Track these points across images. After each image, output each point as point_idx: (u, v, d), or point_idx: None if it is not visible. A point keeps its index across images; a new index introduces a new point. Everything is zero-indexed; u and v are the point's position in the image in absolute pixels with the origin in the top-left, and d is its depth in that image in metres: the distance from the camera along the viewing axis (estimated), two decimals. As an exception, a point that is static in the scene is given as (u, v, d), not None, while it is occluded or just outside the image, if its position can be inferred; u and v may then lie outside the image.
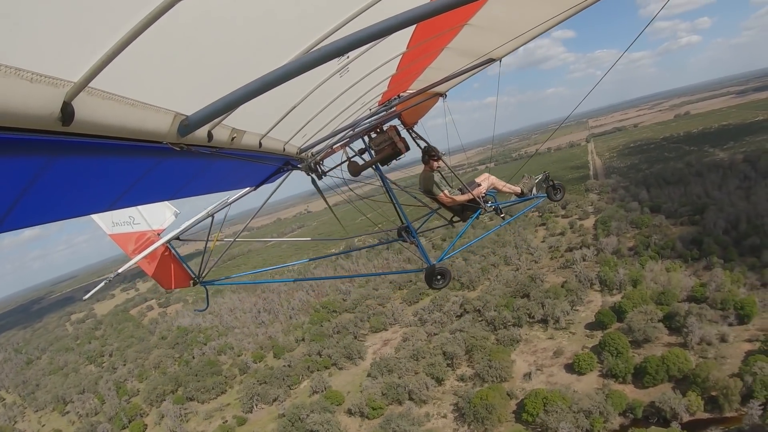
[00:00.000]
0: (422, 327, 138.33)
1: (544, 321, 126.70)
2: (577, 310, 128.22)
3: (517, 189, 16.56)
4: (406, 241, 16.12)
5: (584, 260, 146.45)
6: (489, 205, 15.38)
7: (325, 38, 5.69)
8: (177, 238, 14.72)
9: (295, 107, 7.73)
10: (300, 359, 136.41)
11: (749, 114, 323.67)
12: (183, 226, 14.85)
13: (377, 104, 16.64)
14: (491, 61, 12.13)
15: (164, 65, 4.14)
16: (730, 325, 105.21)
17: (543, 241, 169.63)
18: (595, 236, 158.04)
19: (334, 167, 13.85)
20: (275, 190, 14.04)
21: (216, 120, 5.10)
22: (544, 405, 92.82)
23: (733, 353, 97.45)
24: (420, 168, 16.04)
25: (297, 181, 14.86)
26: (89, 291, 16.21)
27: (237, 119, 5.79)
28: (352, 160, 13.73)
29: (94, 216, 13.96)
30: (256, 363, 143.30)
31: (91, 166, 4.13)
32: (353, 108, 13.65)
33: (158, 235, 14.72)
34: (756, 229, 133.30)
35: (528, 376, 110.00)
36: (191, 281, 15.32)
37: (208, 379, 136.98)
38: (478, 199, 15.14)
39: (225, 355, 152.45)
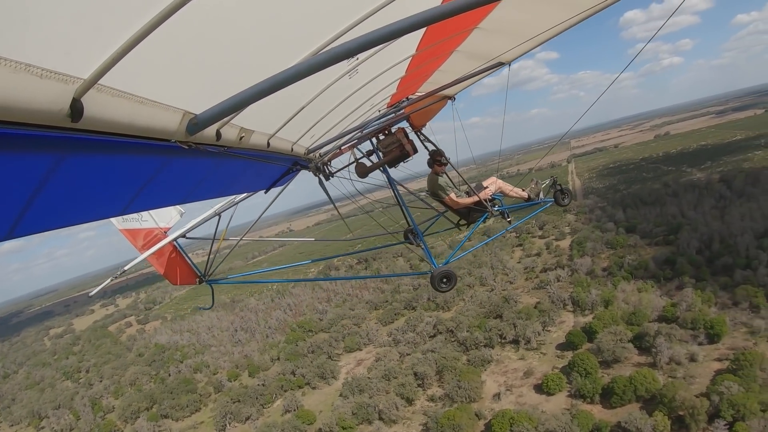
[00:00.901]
0: (395, 347, 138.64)
1: (515, 342, 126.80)
2: (549, 330, 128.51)
3: (524, 194, 16.54)
4: (413, 244, 16.22)
5: (558, 281, 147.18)
6: (496, 209, 15.35)
7: (335, 39, 5.72)
8: (183, 236, 14.89)
9: (303, 108, 7.78)
10: (274, 378, 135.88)
11: (728, 134, 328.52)
12: (189, 224, 15.00)
13: (386, 106, 16.84)
14: (500, 64, 12.26)
15: (174, 63, 4.18)
16: (700, 344, 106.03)
17: (519, 262, 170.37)
18: (570, 257, 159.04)
19: (342, 168, 13.99)
20: (282, 191, 14.05)
21: (225, 119, 5.12)
22: (510, 425, 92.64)
23: (702, 372, 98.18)
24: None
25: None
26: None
27: (245, 119, 5.82)
28: (360, 161, 13.83)
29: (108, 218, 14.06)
30: (230, 381, 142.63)
31: (101, 164, 4.16)
32: (362, 109, 13.68)
33: (165, 233, 14.88)
34: (728, 249, 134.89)
35: (497, 396, 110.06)
36: (197, 279, 15.46)
37: (182, 397, 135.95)
38: (484, 202, 15.10)
39: (201, 373, 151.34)
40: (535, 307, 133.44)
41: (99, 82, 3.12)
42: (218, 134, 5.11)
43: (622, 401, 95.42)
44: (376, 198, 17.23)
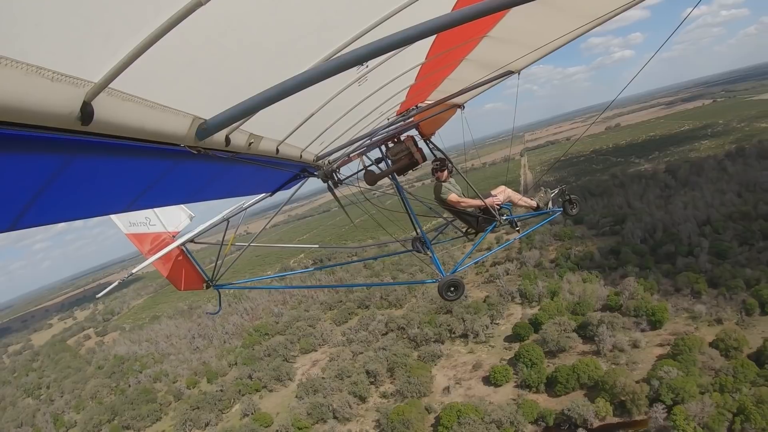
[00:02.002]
0: (349, 347, 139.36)
1: (464, 336, 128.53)
2: (498, 323, 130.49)
3: (533, 203, 16.62)
4: (421, 252, 16.05)
5: (507, 274, 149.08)
6: (504, 218, 15.27)
7: (345, 47, 5.81)
8: (191, 240, 14.77)
9: (313, 115, 7.86)
10: (232, 383, 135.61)
11: (676, 124, 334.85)
12: (198, 230, 14.95)
13: (395, 114, 17.00)
14: (510, 73, 12.34)
15: (184, 69, 4.25)
16: (643, 331, 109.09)
17: (470, 257, 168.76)
18: (520, 250, 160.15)
19: (351, 176, 13.84)
20: (291, 196, 14.40)
21: (234, 125, 5.19)
22: (458, 418, 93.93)
23: (644, 358, 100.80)
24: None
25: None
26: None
27: (255, 125, 5.89)
28: (368, 169, 13.84)
29: (111, 215, 13.84)
30: (190, 389, 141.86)
31: (109, 166, 4.25)
32: (371, 117, 13.93)
33: (173, 237, 14.84)
34: (671, 237, 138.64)
35: (447, 389, 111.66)
36: (204, 284, 15.21)
37: (143, 407, 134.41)
38: (492, 210, 15.03)
39: (160, 382, 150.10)
40: (484, 301, 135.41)
41: (109, 86, 3.22)
42: (227, 140, 5.23)
43: (566, 389, 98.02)
44: (382, 203, 16.95)
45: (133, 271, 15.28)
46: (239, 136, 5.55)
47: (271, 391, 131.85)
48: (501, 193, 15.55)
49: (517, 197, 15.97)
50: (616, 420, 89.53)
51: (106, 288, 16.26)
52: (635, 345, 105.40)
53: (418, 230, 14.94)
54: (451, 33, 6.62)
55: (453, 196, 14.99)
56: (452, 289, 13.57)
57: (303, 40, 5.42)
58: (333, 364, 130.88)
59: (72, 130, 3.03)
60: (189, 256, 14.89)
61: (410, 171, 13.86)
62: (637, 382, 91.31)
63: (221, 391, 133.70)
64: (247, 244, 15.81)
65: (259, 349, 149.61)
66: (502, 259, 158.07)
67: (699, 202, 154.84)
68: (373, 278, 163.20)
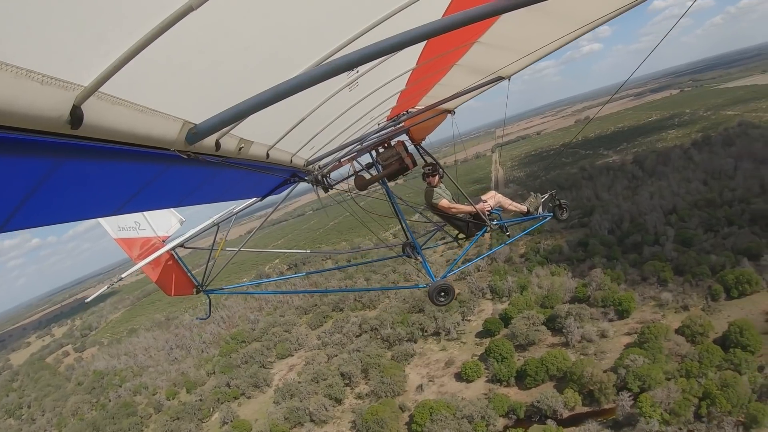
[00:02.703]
0: (324, 350, 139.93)
1: (437, 334, 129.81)
2: (469, 320, 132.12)
3: (523, 208, 16.65)
4: (411, 257, 16.15)
5: (478, 271, 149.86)
6: (495, 223, 15.36)
7: (336, 52, 5.80)
8: (181, 245, 14.66)
9: (303, 120, 7.83)
10: (210, 392, 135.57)
11: (643, 115, 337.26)
12: (188, 234, 14.80)
13: (386, 119, 16.75)
14: (500, 78, 12.35)
15: (175, 73, 4.21)
16: (611, 320, 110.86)
17: (441, 255, 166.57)
18: (490, 246, 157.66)
19: (341, 180, 13.92)
20: (281, 201, 14.60)
21: (224, 129, 5.17)
22: (430, 415, 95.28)
23: (612, 348, 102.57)
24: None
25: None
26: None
27: (245, 129, 5.86)
28: (359, 174, 13.76)
29: (100, 220, 13.96)
30: (169, 400, 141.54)
31: (98, 170, 4.19)
32: (362, 122, 13.77)
33: (163, 242, 14.73)
34: (638, 227, 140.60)
35: (420, 388, 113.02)
36: (194, 289, 15.13)
37: (124, 421, 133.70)
38: (483, 215, 15.00)
39: (140, 395, 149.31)
40: (456, 299, 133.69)
41: (99, 89, 3.18)
42: (218, 144, 5.20)
43: (536, 382, 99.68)
44: (373, 208, 16.83)
45: (123, 275, 15.13)
46: (229, 141, 5.63)
47: (249, 398, 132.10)
48: (491, 198, 15.77)
49: (507, 202, 16.25)
50: (585, 409, 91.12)
51: (94, 293, 16.85)
52: (603, 335, 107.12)
53: (408, 235, 15.25)
54: (442, 39, 6.46)
55: (444, 202, 15.11)
56: (443, 293, 13.79)
57: (294, 45, 5.53)
58: (309, 368, 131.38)
59: (61, 133, 3.08)
60: (179, 260, 15.00)
61: (401, 176, 14.11)
62: (604, 371, 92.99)
63: (200, 400, 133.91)
64: (237, 248, 15.86)
65: (236, 357, 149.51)
66: (473, 255, 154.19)
67: (665, 192, 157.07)
68: (346, 281, 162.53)
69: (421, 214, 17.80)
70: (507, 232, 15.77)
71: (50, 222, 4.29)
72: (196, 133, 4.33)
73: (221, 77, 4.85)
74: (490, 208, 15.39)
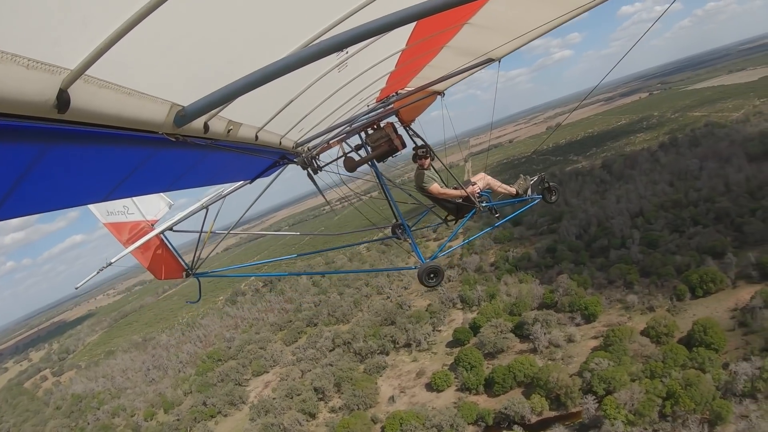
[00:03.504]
0: (298, 365, 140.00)
1: (408, 345, 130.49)
2: (440, 330, 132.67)
3: (513, 190, 16.48)
4: (400, 239, 16.15)
5: (449, 281, 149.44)
6: (484, 204, 15.21)
7: (325, 33, 5.73)
8: (170, 229, 14.40)
9: (292, 101, 7.75)
10: (187, 412, 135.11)
11: (613, 119, 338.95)
12: (177, 218, 14.61)
13: (375, 101, 16.67)
14: (490, 60, 12.35)
15: (162, 55, 4.15)
16: (578, 325, 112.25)
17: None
18: (461, 256, 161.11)
19: (330, 162, 13.66)
20: (270, 183, 14.15)
21: (213, 111, 5.13)
22: (400, 425, 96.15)
23: (579, 351, 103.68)
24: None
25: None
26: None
27: (234, 111, 5.80)
28: (348, 155, 13.65)
29: (89, 205, 13.08)
30: (147, 421, 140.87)
31: (86, 155, 4.11)
32: (351, 104, 13.83)
33: (152, 225, 14.48)
34: (605, 231, 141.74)
35: (392, 399, 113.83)
36: (184, 272, 14.79)
37: None
38: (472, 197, 14.91)
39: (119, 417, 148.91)
40: (426, 310, 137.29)
41: (86, 72, 3.14)
42: (206, 127, 5.13)
43: (503, 389, 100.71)
44: (363, 191, 17.39)
45: (112, 261, 14.39)
46: (218, 123, 5.57)
47: (225, 416, 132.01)
48: (480, 180, 15.73)
49: (496, 184, 16.12)
50: (552, 414, 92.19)
51: (83, 280, 15.14)
52: (570, 339, 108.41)
53: (398, 217, 15.30)
54: (432, 19, 6.43)
55: (435, 187, 15.04)
56: (432, 275, 13.64)
57: (282, 26, 5.49)
58: (283, 384, 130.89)
59: (48, 118, 3.05)
60: (168, 244, 14.80)
61: (390, 157, 13.93)
62: (571, 375, 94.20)
63: (178, 420, 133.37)
64: (226, 231, 15.82)
65: (213, 376, 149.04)
66: (444, 266, 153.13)
67: (632, 195, 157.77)
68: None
69: (410, 195, 17.48)
70: (496, 213, 15.68)
71: (41, 210, 4.38)
72: (185, 116, 4.35)
73: (209, 59, 4.86)
74: (479, 191, 15.43)
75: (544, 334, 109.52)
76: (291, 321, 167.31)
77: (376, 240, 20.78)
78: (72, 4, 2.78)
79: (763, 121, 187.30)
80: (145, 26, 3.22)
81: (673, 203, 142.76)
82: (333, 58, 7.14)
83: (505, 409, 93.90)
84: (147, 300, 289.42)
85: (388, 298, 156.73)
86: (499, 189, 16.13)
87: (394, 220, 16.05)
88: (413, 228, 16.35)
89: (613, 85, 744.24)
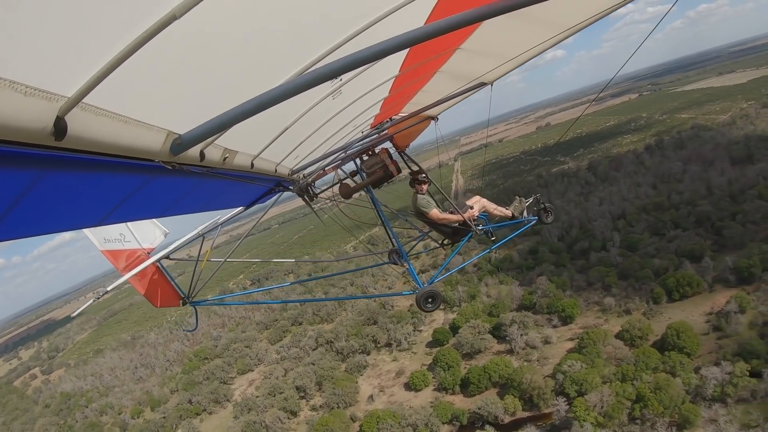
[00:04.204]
0: (281, 364, 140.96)
1: (389, 345, 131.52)
2: (420, 330, 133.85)
3: (508, 212, 16.52)
4: (397, 264, 16.10)
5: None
6: (480, 228, 15.26)
7: (320, 60, 5.74)
8: (167, 257, 14.34)
9: (287, 129, 7.74)
10: (173, 409, 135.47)
11: (602, 120, 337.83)
12: (173, 246, 14.55)
13: (369, 127, 16.58)
14: (482, 84, 12.33)
15: (158, 83, 4.14)
16: (555, 327, 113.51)
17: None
18: (445, 257, 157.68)
19: (326, 189, 13.68)
20: (267, 211, 14.24)
21: (209, 139, 5.08)
22: (377, 424, 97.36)
23: (555, 353, 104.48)
24: None
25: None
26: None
27: (229, 139, 5.74)
28: (343, 182, 13.76)
29: (86, 231, 13.80)
30: (134, 419, 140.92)
31: (81, 181, 4.04)
32: (345, 130, 13.65)
33: (148, 254, 14.46)
34: (586, 233, 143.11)
35: (371, 398, 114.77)
36: (180, 301, 14.90)
37: None
38: (469, 221, 14.94)
39: (106, 414, 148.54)
40: (408, 310, 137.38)
41: (83, 100, 3.11)
42: (202, 155, 5.10)
43: (479, 389, 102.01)
44: (358, 216, 16.86)
45: (108, 288, 14.34)
46: (214, 151, 5.55)
47: (210, 413, 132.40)
48: (476, 203, 15.71)
49: (492, 207, 16.15)
50: (525, 414, 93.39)
51: (78, 309, 16.55)
52: (547, 341, 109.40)
53: (394, 242, 15.12)
54: (424, 46, 6.54)
55: (435, 212, 15.00)
56: (430, 299, 14.08)
57: (277, 54, 5.47)
58: (266, 383, 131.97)
59: (45, 145, 3.00)
60: (164, 272, 14.80)
61: (385, 183, 13.92)
62: (546, 376, 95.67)
63: (164, 417, 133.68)
64: (222, 259, 15.50)
65: (198, 374, 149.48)
66: (428, 266, 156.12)
67: (615, 197, 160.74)
68: (306, 294, 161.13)
69: (407, 221, 17.71)
70: (492, 237, 15.77)
71: (33, 234, 4.30)
72: (181, 144, 4.34)
73: (205, 87, 4.87)
74: (476, 214, 15.45)
75: (521, 335, 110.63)
76: (276, 320, 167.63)
77: (373, 266, 21.25)
78: (70, 31, 2.83)
79: (748, 124, 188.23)
80: (142, 55, 3.28)
81: (655, 206, 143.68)
82: (327, 86, 7.21)
83: (479, 409, 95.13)
84: (136, 298, 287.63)
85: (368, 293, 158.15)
86: (495, 212, 16.27)
87: (391, 246, 15.90)
88: (410, 253, 16.54)
89: (604, 86, 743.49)
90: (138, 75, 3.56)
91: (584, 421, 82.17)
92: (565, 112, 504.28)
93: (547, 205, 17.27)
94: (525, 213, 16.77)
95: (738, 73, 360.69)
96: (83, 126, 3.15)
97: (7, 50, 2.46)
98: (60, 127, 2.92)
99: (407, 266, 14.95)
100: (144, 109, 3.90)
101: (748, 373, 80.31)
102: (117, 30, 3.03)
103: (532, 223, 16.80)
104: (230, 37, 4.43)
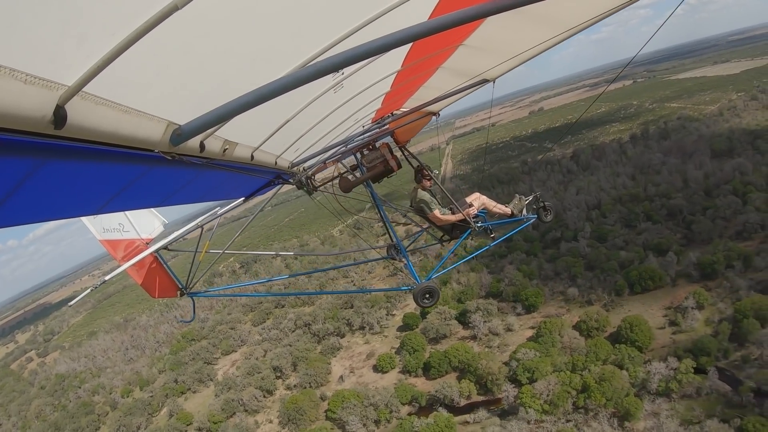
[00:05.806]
0: (261, 345, 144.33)
1: (362, 328, 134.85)
2: (393, 314, 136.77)
3: (508, 210, 16.20)
4: (395, 259, 16.04)
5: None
6: (479, 225, 15.09)
7: (322, 53, 5.64)
8: (165, 248, 14.10)
9: (288, 121, 7.62)
10: (160, 388, 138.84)
11: (593, 107, 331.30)
12: (172, 236, 14.27)
13: (370, 121, 16.24)
14: (485, 81, 12.09)
15: (159, 73, 4.04)
16: (518, 315, 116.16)
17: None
18: (425, 241, 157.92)
19: (325, 182, 13.50)
20: (266, 203, 14.49)
21: (209, 130, 5.00)
22: (342, 403, 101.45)
23: (515, 341, 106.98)
24: None
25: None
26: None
27: (230, 131, 5.64)
28: (343, 176, 13.37)
29: (84, 220, 13.62)
30: (124, 398, 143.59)
31: (80, 170, 3.96)
32: (346, 124, 13.34)
33: (147, 244, 14.22)
34: (559, 223, 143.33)
35: (341, 378, 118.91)
36: (178, 292, 14.71)
37: (82, 419, 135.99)
38: (468, 219, 14.77)
39: (98, 394, 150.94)
40: (384, 295, 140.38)
41: (83, 89, 3.02)
42: (202, 146, 5.02)
43: (439, 372, 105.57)
44: (358, 210, 16.76)
45: (106, 278, 14.47)
46: (214, 143, 5.43)
47: (194, 392, 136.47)
48: (476, 201, 15.51)
49: (491, 204, 15.89)
50: (480, 399, 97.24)
51: (76, 298, 15.57)
52: (509, 329, 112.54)
53: (393, 237, 15.09)
54: (427, 41, 6.59)
55: (437, 213, 14.92)
56: (428, 295, 13.72)
57: (279, 46, 5.36)
58: (247, 363, 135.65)
59: (45, 134, 2.91)
60: (163, 263, 14.56)
61: (385, 178, 13.85)
62: (502, 363, 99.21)
63: (151, 396, 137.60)
64: (221, 251, 15.57)
65: (185, 355, 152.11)
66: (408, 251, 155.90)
67: (593, 187, 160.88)
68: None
69: (406, 216, 17.84)
70: (492, 234, 15.60)
71: (31, 221, 4.25)
72: (181, 135, 4.23)
73: (206, 78, 4.77)
74: (475, 211, 15.27)
75: (484, 322, 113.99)
76: (260, 302, 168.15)
77: (371, 260, 21.82)
78: (70, 20, 2.78)
79: (734, 116, 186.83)
80: (143, 45, 3.20)
81: (630, 197, 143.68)
82: (329, 79, 7.02)
83: (437, 392, 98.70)
84: (130, 281, 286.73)
85: (352, 282, 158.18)
86: (495, 209, 15.98)
87: (390, 241, 16.00)
88: (408, 248, 16.18)
89: (600, 71, 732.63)
90: (139, 65, 3.59)
91: (530, 407, 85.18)
92: (560, 97, 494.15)
93: (546, 203, 17.19)
94: (524, 211, 16.64)
95: (732, 63, 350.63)
96: (83, 115, 3.16)
97: (8, 38, 2.49)
98: (60, 115, 2.93)
99: (405, 261, 14.84)
100: (144, 100, 3.91)
101: (693, 370, 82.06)
102: (119, 19, 3.05)
103: (532, 221, 16.77)
104: (232, 29, 4.43)
